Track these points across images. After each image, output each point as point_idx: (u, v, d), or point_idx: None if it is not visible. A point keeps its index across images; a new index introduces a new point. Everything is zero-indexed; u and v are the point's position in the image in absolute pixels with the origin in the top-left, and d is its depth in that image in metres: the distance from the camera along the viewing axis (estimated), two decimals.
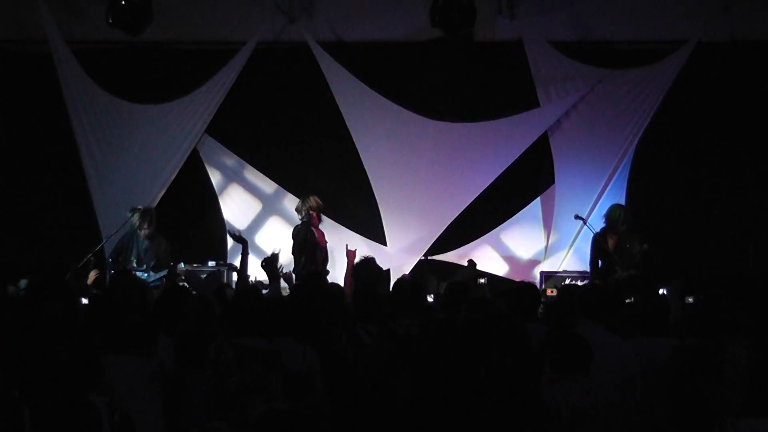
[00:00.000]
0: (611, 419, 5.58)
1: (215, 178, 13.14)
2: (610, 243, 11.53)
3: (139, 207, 11.79)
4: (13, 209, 13.00)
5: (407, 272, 12.27)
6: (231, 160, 13.12)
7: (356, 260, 9.09)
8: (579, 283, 10.93)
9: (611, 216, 11.58)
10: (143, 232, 11.59)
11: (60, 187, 13.01)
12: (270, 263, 8.62)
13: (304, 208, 11.67)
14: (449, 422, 5.37)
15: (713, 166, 12.58)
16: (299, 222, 11.73)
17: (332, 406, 6.22)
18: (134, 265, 11.38)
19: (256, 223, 13.10)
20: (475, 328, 5.87)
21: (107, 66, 12.96)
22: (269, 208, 13.11)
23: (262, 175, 13.08)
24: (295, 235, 11.64)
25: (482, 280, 11.18)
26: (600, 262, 11.60)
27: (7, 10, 12.94)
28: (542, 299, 9.01)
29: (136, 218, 11.63)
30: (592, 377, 5.66)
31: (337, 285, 8.68)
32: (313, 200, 11.65)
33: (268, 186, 13.11)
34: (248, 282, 9.24)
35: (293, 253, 11.54)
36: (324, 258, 11.78)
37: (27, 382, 5.35)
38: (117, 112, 12.83)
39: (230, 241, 12.42)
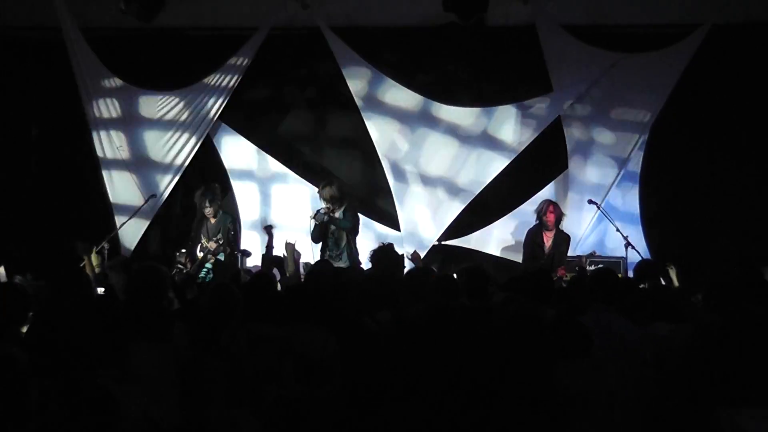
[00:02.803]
0: (622, 404, 5.57)
1: (228, 164, 13.15)
2: (545, 239, 11.65)
3: (201, 186, 11.81)
4: (26, 197, 13.04)
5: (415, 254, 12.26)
6: (244, 146, 13.12)
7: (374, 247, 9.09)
8: (591, 267, 10.96)
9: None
10: (207, 211, 11.61)
11: (73, 175, 13.04)
12: (288, 251, 8.66)
13: (321, 198, 11.65)
14: (463, 406, 5.38)
15: (728, 150, 12.49)
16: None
17: (349, 393, 6.22)
18: (205, 245, 11.37)
19: (269, 210, 13.11)
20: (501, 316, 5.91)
21: (120, 52, 12.98)
22: (282, 193, 13.11)
23: (275, 160, 13.08)
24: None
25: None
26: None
27: None
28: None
29: (198, 198, 11.66)
30: (602, 362, 5.66)
31: (351, 270, 8.69)
32: (326, 191, 11.59)
33: (281, 171, 13.10)
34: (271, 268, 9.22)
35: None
36: None
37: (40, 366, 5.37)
38: (130, 98, 12.87)
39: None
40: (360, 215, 11.90)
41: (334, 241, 11.55)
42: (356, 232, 11.63)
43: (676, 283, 9.45)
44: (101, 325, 5.84)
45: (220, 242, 11.19)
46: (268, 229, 10.40)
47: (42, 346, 5.67)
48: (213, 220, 11.68)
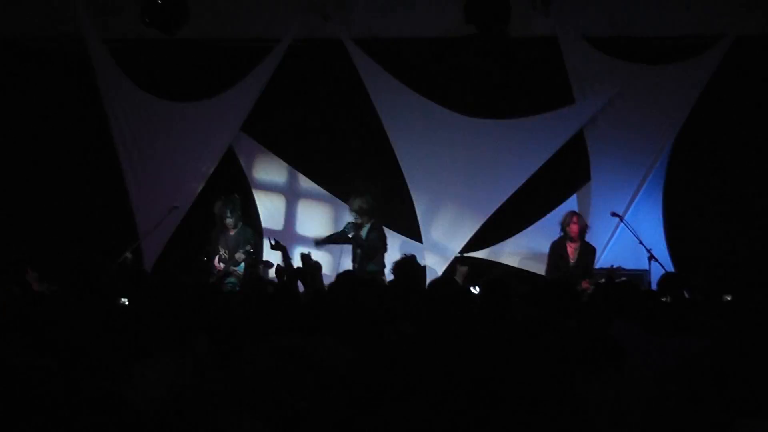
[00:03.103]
0: (644, 417, 5.54)
1: (251, 176, 13.19)
2: (570, 250, 11.58)
3: (221, 197, 11.83)
4: (51, 207, 13.11)
5: (442, 269, 12.31)
6: (266, 158, 13.16)
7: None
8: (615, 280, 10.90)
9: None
10: (227, 222, 11.62)
11: (97, 185, 13.11)
12: (305, 262, 8.65)
13: (350, 209, 11.73)
14: (479, 419, 5.36)
15: (752, 162, 12.43)
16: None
17: (368, 405, 6.21)
18: (224, 256, 11.40)
19: (291, 221, 13.13)
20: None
21: (143, 64, 13.05)
22: (305, 206, 13.13)
23: (297, 172, 13.11)
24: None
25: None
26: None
27: (43, 8, 13.05)
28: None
29: (218, 209, 11.67)
30: (626, 376, 5.64)
31: (373, 281, 8.70)
32: (355, 202, 11.66)
33: (303, 184, 13.13)
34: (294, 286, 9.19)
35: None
36: None
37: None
38: (153, 109, 12.93)
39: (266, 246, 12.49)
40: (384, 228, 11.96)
41: (363, 254, 11.61)
42: (384, 249, 11.64)
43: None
44: (116, 334, 5.85)
45: (251, 252, 11.19)
46: (278, 245, 10.41)
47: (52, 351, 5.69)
48: (232, 232, 11.68)
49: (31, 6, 13.06)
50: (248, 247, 11.27)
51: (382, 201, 12.81)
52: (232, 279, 11.17)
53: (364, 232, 11.64)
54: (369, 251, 11.57)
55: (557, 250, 11.67)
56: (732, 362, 5.65)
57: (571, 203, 12.59)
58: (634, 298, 6.37)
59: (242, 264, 11.30)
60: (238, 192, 12.80)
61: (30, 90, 13.21)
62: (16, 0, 13.06)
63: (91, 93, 12.84)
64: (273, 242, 10.07)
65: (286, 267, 9.11)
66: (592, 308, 6.95)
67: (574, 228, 11.59)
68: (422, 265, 11.23)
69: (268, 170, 13.20)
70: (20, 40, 13.25)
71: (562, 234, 11.76)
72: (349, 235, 11.59)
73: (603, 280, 10.84)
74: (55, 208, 13.12)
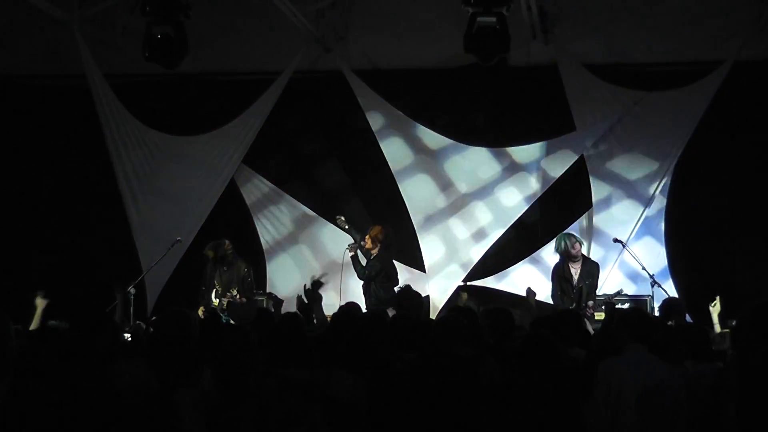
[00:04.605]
0: None
1: (253, 207, 13.21)
2: (573, 271, 11.57)
3: (211, 243, 11.86)
4: (54, 243, 13.13)
5: (446, 299, 12.31)
6: (268, 189, 13.18)
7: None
8: (618, 306, 10.88)
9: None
10: (218, 264, 11.67)
11: (99, 220, 13.13)
12: (311, 291, 8.65)
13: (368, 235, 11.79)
14: None
15: (752, 187, 12.44)
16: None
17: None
18: (219, 291, 11.42)
19: (294, 251, 13.14)
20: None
21: (145, 99, 13.12)
22: (306, 236, 13.15)
23: (299, 203, 13.14)
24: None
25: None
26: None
27: (46, 45, 13.13)
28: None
29: (210, 251, 11.71)
30: (640, 402, 5.66)
31: (377, 312, 8.69)
32: (374, 229, 11.74)
33: (305, 214, 13.14)
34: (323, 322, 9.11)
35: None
36: None
37: None
38: (155, 144, 12.97)
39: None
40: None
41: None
42: (394, 281, 11.60)
43: (715, 320, 9.32)
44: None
45: (235, 296, 11.28)
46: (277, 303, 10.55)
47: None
48: (226, 268, 11.69)
49: (32, 43, 13.13)
50: (232, 292, 11.35)
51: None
52: (225, 315, 11.16)
53: (363, 261, 11.69)
54: (375, 277, 11.58)
55: (561, 273, 11.62)
56: (740, 387, 5.66)
57: (573, 229, 12.58)
58: (643, 324, 6.35)
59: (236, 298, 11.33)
60: (241, 223, 12.82)
61: (33, 126, 13.27)
62: (19, 38, 13.11)
63: (93, 128, 12.87)
64: (309, 287, 9.82)
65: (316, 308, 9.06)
66: (603, 337, 6.95)
67: (577, 248, 11.51)
68: (425, 295, 11.22)
69: (270, 201, 13.21)
70: (23, 77, 13.31)
71: (562, 258, 11.70)
72: (350, 255, 11.68)
73: (605, 305, 10.85)
74: (59, 243, 13.13)
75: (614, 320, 6.82)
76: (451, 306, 11.56)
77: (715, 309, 9.37)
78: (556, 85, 12.53)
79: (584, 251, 11.84)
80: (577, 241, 11.56)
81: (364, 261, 11.68)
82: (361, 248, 11.72)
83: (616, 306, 10.74)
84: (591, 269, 11.60)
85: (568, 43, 12.55)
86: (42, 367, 5.94)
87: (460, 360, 6.14)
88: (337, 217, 12.22)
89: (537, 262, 12.73)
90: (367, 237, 11.66)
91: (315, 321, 8.77)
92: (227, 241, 11.80)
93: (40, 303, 9.24)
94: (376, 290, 11.47)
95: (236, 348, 6.58)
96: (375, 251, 11.60)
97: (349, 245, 11.83)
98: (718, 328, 9.08)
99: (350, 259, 11.74)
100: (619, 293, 11.58)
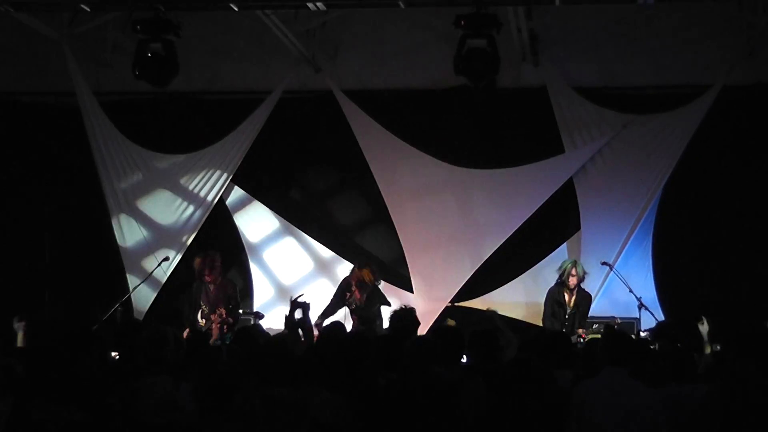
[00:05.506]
0: None
1: (241, 227, 13.19)
2: (567, 298, 11.64)
3: (201, 252, 11.81)
4: (40, 261, 13.09)
5: (433, 319, 12.28)
6: (257, 208, 13.17)
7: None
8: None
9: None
10: (207, 279, 11.57)
11: (87, 238, 13.08)
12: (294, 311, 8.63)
13: (353, 277, 11.89)
14: None
15: (741, 210, 12.47)
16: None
17: None
18: (205, 311, 11.35)
19: (281, 271, 13.12)
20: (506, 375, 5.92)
21: (134, 117, 13.10)
22: (293, 255, 13.12)
23: (288, 223, 13.12)
24: None
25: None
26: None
27: (35, 63, 13.13)
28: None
29: (198, 265, 11.63)
30: (616, 425, 5.66)
31: (361, 334, 8.68)
32: (364, 272, 11.79)
33: (295, 234, 13.13)
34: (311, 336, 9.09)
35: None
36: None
37: None
38: (144, 162, 12.96)
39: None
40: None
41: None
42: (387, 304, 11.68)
43: (705, 338, 9.28)
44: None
45: (231, 308, 11.23)
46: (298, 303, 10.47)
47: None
48: (213, 287, 11.59)
49: (22, 60, 13.13)
50: (229, 305, 11.28)
51: (374, 251, 12.88)
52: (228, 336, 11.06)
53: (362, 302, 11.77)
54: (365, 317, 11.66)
55: (555, 297, 11.65)
56: (725, 411, 5.66)
57: (561, 252, 12.60)
58: (623, 346, 6.35)
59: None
60: (229, 243, 12.80)
61: (21, 143, 13.24)
62: (8, 54, 13.11)
63: (81, 146, 12.85)
64: (295, 299, 9.88)
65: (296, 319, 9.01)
66: (588, 358, 6.95)
67: (573, 280, 11.58)
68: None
69: (258, 221, 13.19)
70: (12, 94, 13.30)
71: (559, 281, 11.72)
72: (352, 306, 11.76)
73: (598, 328, 10.88)
74: (45, 262, 13.11)
75: (593, 343, 6.86)
76: (434, 327, 11.54)
77: (704, 328, 9.34)
78: (545, 107, 12.56)
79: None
80: (578, 274, 11.59)
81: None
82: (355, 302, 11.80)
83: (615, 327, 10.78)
84: (584, 298, 11.67)
85: (557, 65, 12.59)
86: (46, 385, 5.94)
87: (440, 380, 6.13)
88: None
89: (524, 285, 12.72)
90: (354, 290, 11.69)
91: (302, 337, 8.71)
92: (218, 254, 11.76)
93: (19, 326, 9.26)
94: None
95: (221, 367, 6.58)
96: (366, 294, 11.67)
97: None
98: (708, 349, 9.06)
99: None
100: (612, 319, 11.61)
